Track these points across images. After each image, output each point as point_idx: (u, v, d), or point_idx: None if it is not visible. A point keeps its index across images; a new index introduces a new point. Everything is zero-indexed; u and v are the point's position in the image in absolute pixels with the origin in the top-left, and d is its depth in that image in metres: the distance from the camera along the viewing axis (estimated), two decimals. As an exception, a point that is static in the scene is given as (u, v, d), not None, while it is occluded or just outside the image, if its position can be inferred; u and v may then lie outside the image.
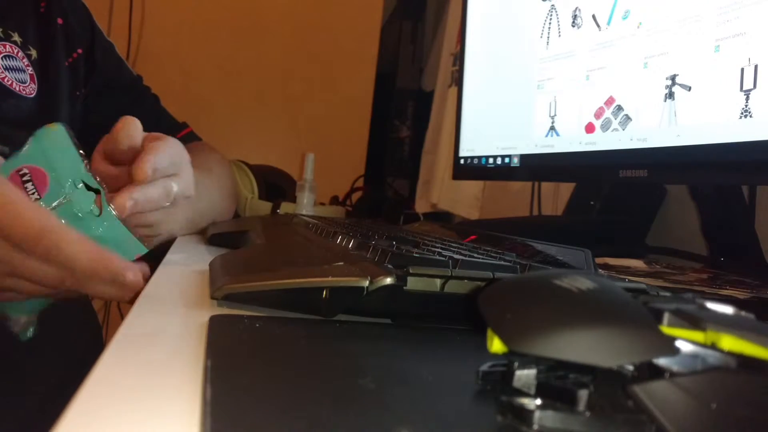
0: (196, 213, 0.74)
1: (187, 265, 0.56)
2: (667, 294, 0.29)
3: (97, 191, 0.50)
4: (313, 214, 1.11)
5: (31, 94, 0.79)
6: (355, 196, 1.57)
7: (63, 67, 0.85)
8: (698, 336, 0.19)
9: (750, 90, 0.54)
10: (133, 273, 0.44)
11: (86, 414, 0.21)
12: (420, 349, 0.32)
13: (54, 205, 0.49)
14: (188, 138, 0.96)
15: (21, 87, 0.78)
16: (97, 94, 0.90)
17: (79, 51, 0.88)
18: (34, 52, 0.82)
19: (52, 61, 0.84)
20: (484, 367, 0.24)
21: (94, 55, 0.90)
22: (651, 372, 0.19)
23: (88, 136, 0.88)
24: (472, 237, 0.65)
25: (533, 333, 0.20)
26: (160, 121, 0.96)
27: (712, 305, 0.21)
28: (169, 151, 0.58)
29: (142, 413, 0.21)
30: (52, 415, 0.21)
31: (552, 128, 0.80)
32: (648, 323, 0.20)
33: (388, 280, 0.33)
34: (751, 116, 0.53)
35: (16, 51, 0.79)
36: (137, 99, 0.94)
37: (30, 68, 0.80)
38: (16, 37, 0.80)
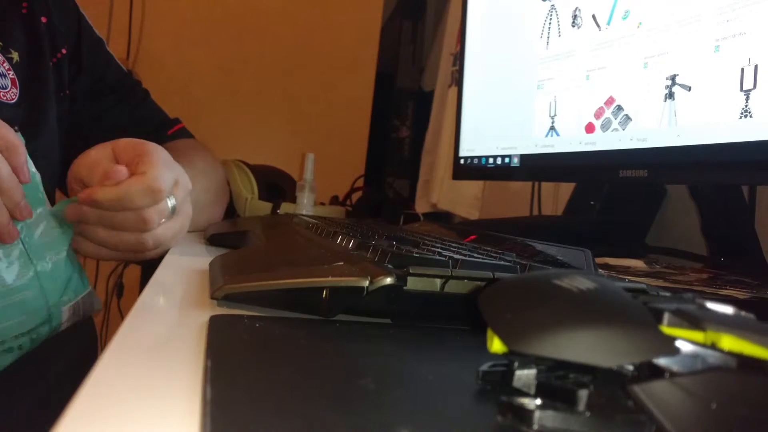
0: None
1: (187, 265, 0.56)
2: (667, 294, 0.29)
3: None
4: (313, 214, 1.11)
5: (13, 99, 0.76)
6: (355, 196, 1.57)
7: (48, 67, 0.83)
8: (698, 336, 0.19)
9: (750, 90, 0.54)
10: None
11: (86, 414, 0.21)
12: (420, 349, 0.32)
13: None
14: (179, 134, 0.95)
15: (2, 93, 0.76)
16: (85, 94, 0.89)
17: (63, 51, 0.86)
18: (15, 55, 0.79)
19: (37, 62, 0.82)
20: (484, 367, 0.24)
21: (80, 54, 0.88)
22: (651, 372, 0.19)
23: (76, 136, 0.88)
24: (472, 237, 0.65)
25: (533, 333, 0.20)
26: (151, 117, 0.95)
27: (712, 305, 0.21)
28: (164, 166, 0.59)
29: (142, 413, 0.21)
30: (52, 415, 0.21)
31: (552, 128, 0.80)
32: (648, 323, 0.20)
33: (388, 280, 0.33)
34: (751, 116, 0.53)
35: None
36: (126, 96, 0.93)
37: (11, 72, 0.78)
38: None
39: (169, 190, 0.59)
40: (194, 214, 0.83)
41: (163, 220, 0.59)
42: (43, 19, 0.84)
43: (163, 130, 0.94)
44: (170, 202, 0.59)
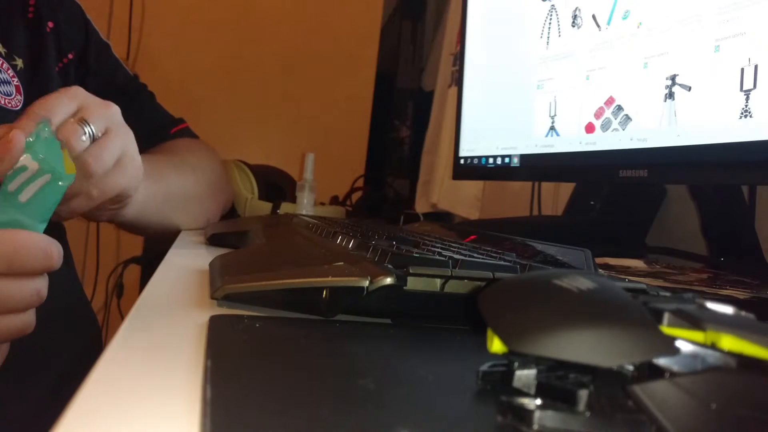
0: (156, 194, 0.73)
1: (187, 265, 0.56)
2: (667, 294, 0.29)
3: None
4: (313, 214, 1.11)
5: (17, 106, 0.75)
6: (355, 196, 1.57)
7: (53, 73, 0.83)
8: (698, 336, 0.19)
9: (750, 90, 0.54)
10: None
11: (86, 414, 0.21)
12: (420, 349, 0.32)
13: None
14: (182, 133, 0.95)
15: (6, 100, 0.75)
16: None
17: (70, 56, 0.86)
18: (20, 62, 0.79)
19: (42, 69, 0.81)
20: (484, 367, 0.24)
21: (87, 59, 0.88)
22: (651, 372, 0.19)
23: None
24: (472, 237, 0.65)
25: (533, 333, 0.20)
26: (155, 118, 0.95)
27: (712, 305, 0.21)
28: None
29: (142, 413, 0.21)
30: (52, 415, 0.21)
31: (552, 128, 0.80)
32: (648, 323, 0.20)
33: (388, 280, 0.33)
34: (751, 116, 0.53)
35: (0, 62, 0.76)
36: (132, 100, 0.93)
37: (15, 79, 0.77)
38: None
39: (58, 110, 0.52)
40: (185, 205, 0.83)
41: (84, 138, 0.53)
42: (50, 24, 0.84)
43: (167, 129, 0.94)
44: (87, 128, 0.54)
